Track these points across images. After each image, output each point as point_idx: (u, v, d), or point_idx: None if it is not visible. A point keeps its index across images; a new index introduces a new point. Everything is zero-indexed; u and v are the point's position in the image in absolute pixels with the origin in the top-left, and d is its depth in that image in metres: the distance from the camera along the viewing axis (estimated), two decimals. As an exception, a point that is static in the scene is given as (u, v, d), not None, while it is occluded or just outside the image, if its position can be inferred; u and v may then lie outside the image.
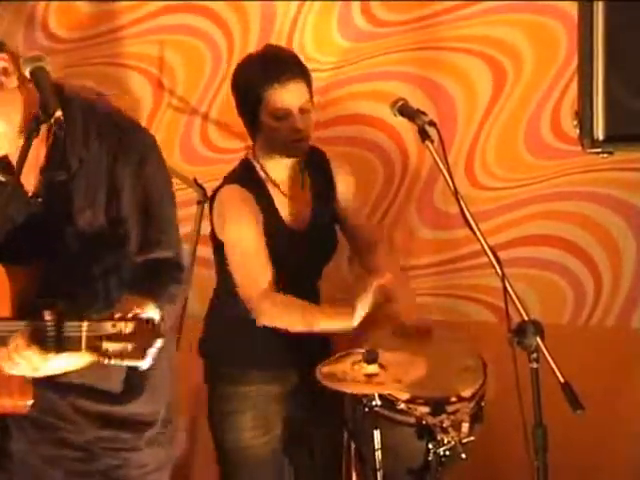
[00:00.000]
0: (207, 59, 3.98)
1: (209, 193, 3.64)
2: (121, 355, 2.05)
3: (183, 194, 3.96)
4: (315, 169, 3.28)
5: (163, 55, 3.99)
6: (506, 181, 3.85)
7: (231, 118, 3.96)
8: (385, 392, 2.93)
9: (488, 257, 2.61)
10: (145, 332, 2.05)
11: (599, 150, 2.41)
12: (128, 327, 2.05)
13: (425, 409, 2.94)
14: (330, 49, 3.65)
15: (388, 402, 2.95)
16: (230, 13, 3.92)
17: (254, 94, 3.08)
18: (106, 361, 2.06)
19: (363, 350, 2.90)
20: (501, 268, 2.57)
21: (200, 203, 3.76)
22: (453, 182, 2.69)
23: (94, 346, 2.06)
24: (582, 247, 3.83)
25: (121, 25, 3.98)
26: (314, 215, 3.24)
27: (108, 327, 2.06)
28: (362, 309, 2.99)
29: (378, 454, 2.93)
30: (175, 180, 3.78)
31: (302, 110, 3.08)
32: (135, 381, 2.47)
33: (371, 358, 2.88)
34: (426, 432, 2.92)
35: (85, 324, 2.08)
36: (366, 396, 2.94)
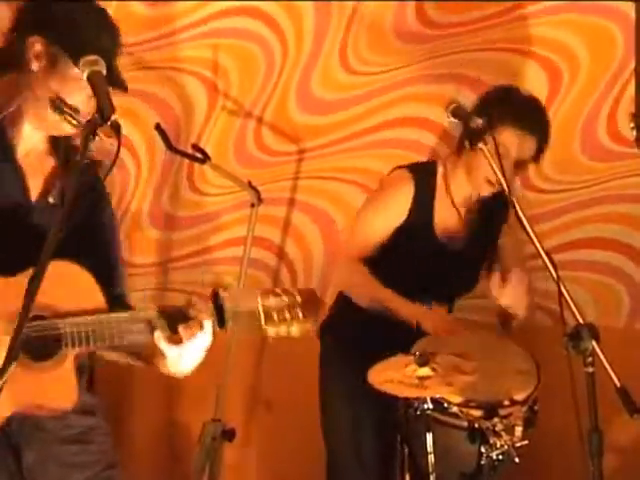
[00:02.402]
0: (261, 62, 3.99)
1: (263, 196, 3.66)
2: (292, 324, 2.26)
3: (237, 197, 4.00)
4: (486, 215, 3.35)
5: (217, 59, 4.01)
6: (561, 184, 3.82)
7: (285, 121, 4.00)
8: (437, 395, 2.92)
9: (543, 260, 2.60)
10: (311, 301, 2.27)
11: (656, 152, 2.39)
12: (296, 298, 2.26)
13: (478, 412, 2.93)
14: (386, 51, 3.64)
15: (440, 405, 2.94)
16: (284, 16, 3.93)
17: (496, 121, 3.06)
18: (282, 330, 2.26)
19: (415, 353, 2.90)
20: (556, 271, 2.55)
21: (254, 206, 3.77)
22: (508, 185, 2.68)
23: (269, 316, 2.25)
24: (638, 250, 3.79)
25: (176, 29, 4.01)
26: (469, 242, 3.33)
27: (279, 301, 2.25)
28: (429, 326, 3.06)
29: (430, 457, 2.93)
30: (229, 182, 3.84)
31: (518, 163, 3.16)
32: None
33: (423, 361, 2.87)
34: (479, 436, 2.91)
35: (259, 299, 2.24)
36: (418, 399, 2.94)
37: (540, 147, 3.23)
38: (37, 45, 2.30)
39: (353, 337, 3.30)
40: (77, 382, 2.28)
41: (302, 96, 3.96)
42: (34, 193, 2.40)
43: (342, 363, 3.32)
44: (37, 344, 2.20)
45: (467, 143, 3.14)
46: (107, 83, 2.20)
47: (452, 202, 3.29)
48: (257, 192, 3.79)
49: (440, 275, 3.23)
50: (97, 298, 2.29)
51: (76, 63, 2.20)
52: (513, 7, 3.71)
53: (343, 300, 3.37)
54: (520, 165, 3.20)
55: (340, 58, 3.90)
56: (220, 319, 2.25)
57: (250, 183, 3.81)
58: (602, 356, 2.43)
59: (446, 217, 3.28)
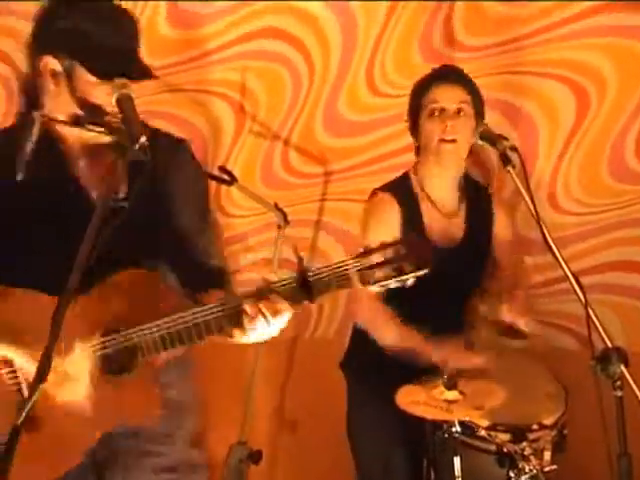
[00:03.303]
0: (288, 84, 4.01)
1: (289, 218, 3.67)
2: (399, 274, 2.20)
3: (264, 218, 4.00)
4: (475, 203, 3.35)
5: (245, 81, 4.02)
6: (589, 206, 3.81)
7: (312, 143, 4.01)
8: (465, 418, 2.90)
9: (570, 283, 2.59)
10: (418, 246, 2.23)
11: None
12: (399, 250, 2.21)
13: (506, 436, 2.91)
14: (412, 73, 3.63)
15: (468, 429, 2.92)
16: (311, 38, 3.94)
17: (417, 97, 3.24)
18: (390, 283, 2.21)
19: (443, 376, 2.89)
20: (584, 294, 2.54)
21: (280, 227, 3.78)
22: (535, 207, 2.68)
23: (367, 277, 2.20)
24: (666, 273, 3.78)
25: (204, 52, 4.03)
26: (465, 240, 3.29)
27: (373, 258, 2.20)
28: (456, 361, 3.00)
29: (458, 481, 2.91)
30: (256, 204, 3.85)
31: (459, 110, 3.18)
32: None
33: (451, 384, 2.86)
34: (507, 460, 2.89)
35: (351, 261, 2.20)
36: (446, 422, 2.92)
37: (474, 98, 3.25)
38: (50, 65, 2.29)
39: (373, 366, 3.25)
40: (156, 392, 2.29)
41: (329, 118, 3.97)
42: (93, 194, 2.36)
43: (366, 391, 3.30)
44: (114, 358, 2.22)
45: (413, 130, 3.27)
46: (137, 76, 2.25)
47: (434, 205, 3.26)
48: (284, 214, 3.80)
49: (446, 278, 3.16)
50: (169, 299, 2.29)
51: (91, 70, 2.21)
52: (541, 29, 3.70)
53: (358, 334, 3.33)
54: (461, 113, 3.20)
55: (367, 80, 3.91)
56: (309, 295, 2.21)
57: (277, 205, 3.82)
58: (631, 380, 2.42)
59: (436, 221, 3.25)
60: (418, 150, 3.31)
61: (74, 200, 2.35)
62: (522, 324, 3.10)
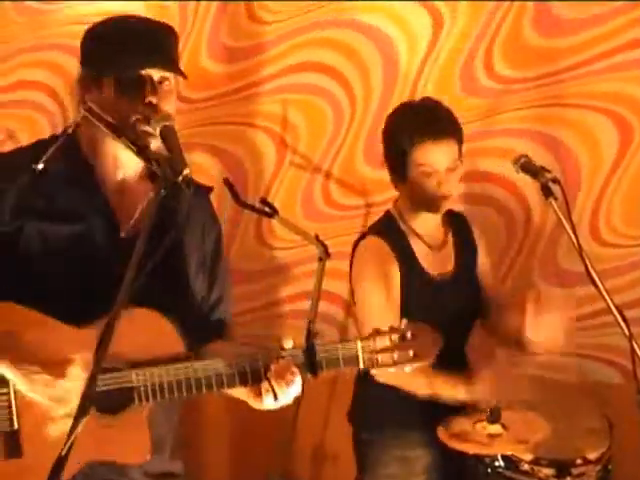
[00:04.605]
0: (329, 117, 4.02)
1: (330, 250, 3.66)
2: (401, 362, 2.28)
3: (304, 251, 4.01)
4: (458, 231, 3.28)
5: (286, 113, 4.05)
6: (632, 239, 3.78)
7: (353, 176, 4.02)
8: (508, 452, 2.88)
9: (614, 316, 2.56)
10: (425, 336, 2.30)
11: None
12: (406, 336, 2.29)
13: (549, 471, 2.88)
14: (453, 106, 3.63)
15: (511, 463, 2.90)
16: (353, 71, 3.96)
17: (403, 146, 3.06)
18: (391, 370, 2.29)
19: (485, 409, 2.87)
20: (628, 327, 2.52)
21: (321, 260, 3.78)
22: (577, 240, 2.66)
23: (372, 360, 2.28)
24: None
25: (245, 85, 4.06)
26: (458, 269, 3.22)
27: (383, 342, 2.28)
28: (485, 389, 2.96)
29: (501, 516, 2.88)
30: (297, 237, 3.85)
31: (449, 169, 3.05)
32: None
33: (494, 418, 2.84)
34: (551, 494, 2.87)
35: (359, 342, 2.27)
36: (489, 457, 2.90)
37: (461, 144, 3.11)
38: (85, 81, 2.31)
39: (385, 418, 3.20)
40: (149, 435, 2.26)
41: (370, 150, 3.97)
42: (124, 227, 2.35)
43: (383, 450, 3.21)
44: (108, 397, 2.19)
45: (396, 174, 3.12)
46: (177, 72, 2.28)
47: (422, 239, 3.17)
48: (325, 246, 3.79)
49: (447, 310, 3.12)
50: (176, 347, 2.26)
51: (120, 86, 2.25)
52: (581, 62, 3.70)
53: (362, 387, 3.27)
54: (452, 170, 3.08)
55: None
56: (313, 369, 2.24)
57: (317, 237, 3.81)
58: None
59: (426, 255, 3.17)
60: (397, 186, 3.17)
61: (103, 231, 2.34)
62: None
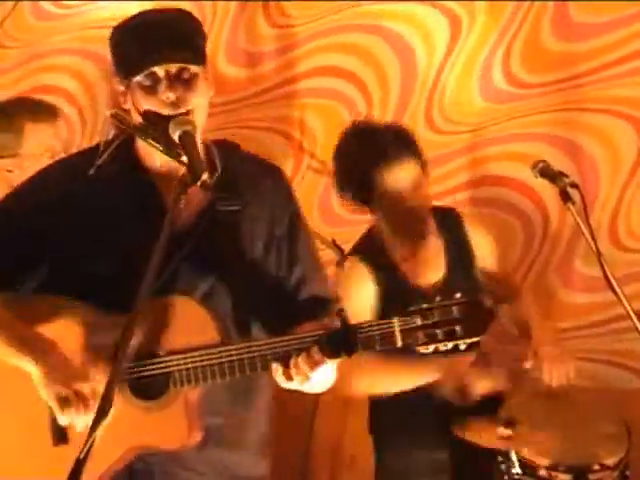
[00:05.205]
0: (347, 122, 4.01)
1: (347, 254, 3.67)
2: (447, 339, 2.16)
3: (321, 255, 4.00)
4: (448, 232, 3.19)
5: (304, 118, 4.05)
6: (651, 244, 3.77)
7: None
8: (526, 456, 2.88)
9: (632, 321, 2.56)
10: (474, 312, 2.17)
11: None
12: (452, 313, 2.17)
13: (567, 477, 2.87)
14: (471, 110, 3.66)
15: (529, 469, 2.89)
16: (370, 76, 3.97)
17: (361, 174, 3.02)
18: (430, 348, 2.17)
19: (500, 416, 2.87)
20: (646, 333, 2.51)
21: (339, 264, 3.78)
22: (596, 244, 2.66)
23: (412, 338, 2.17)
24: None
25: (262, 90, 4.07)
26: (449, 272, 3.16)
27: (417, 320, 2.17)
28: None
29: (519, 522, 2.88)
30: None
31: (415, 186, 2.99)
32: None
33: (510, 426, 2.84)
34: (568, 500, 2.86)
35: (395, 319, 2.18)
36: (506, 464, 2.90)
37: (423, 162, 3.04)
38: (118, 86, 2.30)
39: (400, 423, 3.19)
40: (188, 420, 2.26)
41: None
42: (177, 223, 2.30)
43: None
44: (146, 383, 2.21)
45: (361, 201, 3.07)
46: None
47: (405, 252, 3.12)
48: (342, 251, 3.79)
49: None
50: (212, 334, 2.25)
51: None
52: (600, 67, 3.69)
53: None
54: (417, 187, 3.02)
55: (425, 117, 3.92)
56: (348, 349, 2.19)
57: (334, 241, 3.82)
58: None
59: (412, 268, 3.14)
60: (371, 208, 3.12)
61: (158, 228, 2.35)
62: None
